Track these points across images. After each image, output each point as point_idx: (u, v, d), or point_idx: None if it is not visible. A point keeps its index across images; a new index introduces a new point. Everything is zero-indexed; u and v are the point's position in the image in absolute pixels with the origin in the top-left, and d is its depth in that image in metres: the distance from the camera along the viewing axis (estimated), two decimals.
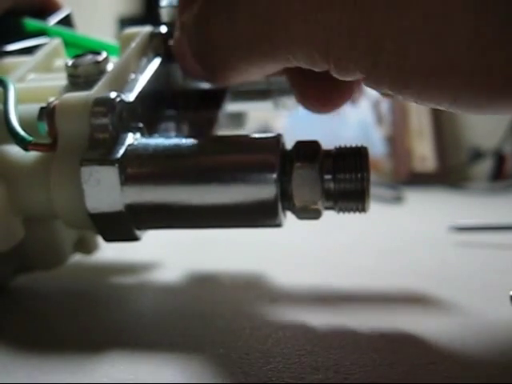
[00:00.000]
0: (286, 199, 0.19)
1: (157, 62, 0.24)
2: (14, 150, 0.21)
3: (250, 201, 0.19)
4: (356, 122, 0.89)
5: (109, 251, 0.30)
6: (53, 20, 0.30)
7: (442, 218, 0.50)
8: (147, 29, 0.25)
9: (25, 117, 0.21)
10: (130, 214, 0.19)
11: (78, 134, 0.20)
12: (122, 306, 0.24)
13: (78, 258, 0.28)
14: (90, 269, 0.30)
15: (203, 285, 0.27)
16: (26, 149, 0.20)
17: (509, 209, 0.60)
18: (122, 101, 0.20)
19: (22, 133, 0.20)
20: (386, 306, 0.22)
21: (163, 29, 0.25)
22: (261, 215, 0.19)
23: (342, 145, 0.19)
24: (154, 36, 0.25)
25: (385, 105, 0.89)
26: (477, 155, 0.86)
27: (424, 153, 0.89)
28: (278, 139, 0.19)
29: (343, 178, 0.18)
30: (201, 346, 0.18)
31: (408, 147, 0.89)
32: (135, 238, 0.21)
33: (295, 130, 0.84)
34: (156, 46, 0.25)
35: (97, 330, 0.20)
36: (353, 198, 0.19)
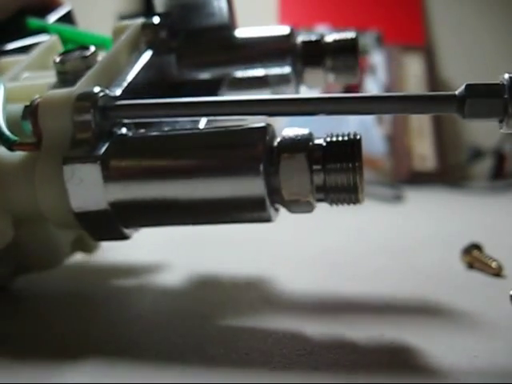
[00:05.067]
0: (274, 192, 0.18)
1: (148, 54, 0.24)
2: (0, 151, 0.20)
3: (238, 195, 0.18)
4: (356, 120, 0.89)
5: (109, 252, 0.30)
6: (53, 17, 0.30)
7: (442, 217, 0.50)
8: (139, 21, 0.25)
9: (15, 116, 0.20)
10: (116, 212, 0.19)
11: (62, 132, 0.19)
12: (122, 307, 0.24)
13: (78, 258, 0.28)
14: (90, 270, 0.30)
15: (203, 286, 0.26)
16: (10, 149, 0.19)
17: (509, 208, 0.60)
18: (105, 95, 0.19)
19: (7, 133, 0.19)
20: (386, 306, 0.22)
21: (156, 19, 0.24)
22: (249, 209, 0.18)
23: (333, 133, 0.18)
24: (146, 27, 0.24)
25: None
26: (477, 154, 0.86)
27: (424, 152, 0.89)
28: (264, 130, 0.18)
29: (334, 168, 0.17)
30: (201, 346, 0.18)
31: (408, 146, 0.89)
32: (124, 237, 0.20)
33: None
34: (148, 37, 0.24)
35: (97, 331, 0.20)
36: (345, 189, 0.17)
